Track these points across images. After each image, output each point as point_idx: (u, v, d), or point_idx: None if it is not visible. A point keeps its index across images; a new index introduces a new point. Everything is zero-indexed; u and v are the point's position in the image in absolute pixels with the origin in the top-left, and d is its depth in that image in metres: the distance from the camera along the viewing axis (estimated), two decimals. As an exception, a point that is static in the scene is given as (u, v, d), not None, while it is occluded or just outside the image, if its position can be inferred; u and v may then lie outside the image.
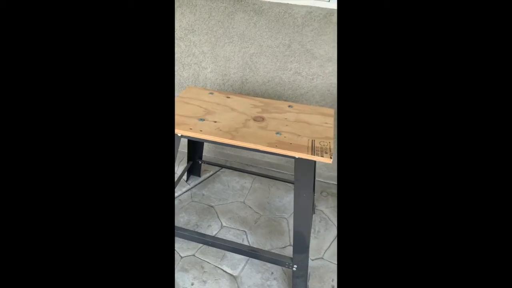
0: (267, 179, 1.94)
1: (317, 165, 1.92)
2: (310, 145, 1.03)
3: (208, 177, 1.94)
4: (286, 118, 1.20)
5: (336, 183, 1.95)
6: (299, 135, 1.09)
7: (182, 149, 2.11)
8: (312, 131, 1.12)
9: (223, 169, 2.01)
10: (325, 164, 1.91)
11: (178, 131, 1.10)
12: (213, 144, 2.05)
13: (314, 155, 0.98)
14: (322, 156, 0.98)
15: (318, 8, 1.47)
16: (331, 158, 0.97)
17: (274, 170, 2.03)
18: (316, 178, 1.97)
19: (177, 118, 1.16)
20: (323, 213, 1.74)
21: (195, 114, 1.20)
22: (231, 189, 1.86)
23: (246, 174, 1.97)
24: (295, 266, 1.22)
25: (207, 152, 2.11)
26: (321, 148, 1.02)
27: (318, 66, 1.60)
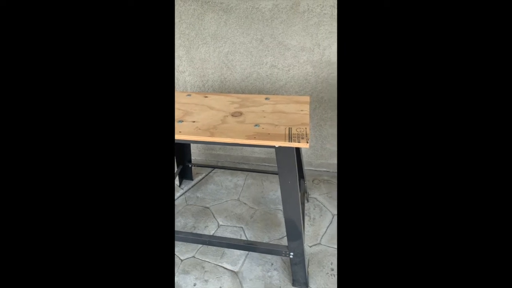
0: (259, 174, 1.96)
1: (306, 154, 1.94)
2: (287, 133, 1.05)
3: (201, 179, 1.96)
4: (263, 111, 1.22)
5: (326, 170, 1.97)
6: (277, 125, 1.11)
7: (172, 155, 2.13)
8: (289, 119, 1.14)
9: (215, 170, 2.03)
10: (314, 153, 1.93)
11: (158, 136, 1.12)
12: (202, 146, 2.07)
13: (291, 142, 1.00)
14: (299, 142, 1.00)
15: (284, 0, 1.49)
16: (307, 142, 0.99)
17: (265, 165, 2.05)
18: (306, 167, 1.99)
19: (156, 124, 1.18)
20: (317, 200, 1.76)
21: (174, 117, 1.22)
22: (225, 188, 1.88)
23: (238, 172, 1.99)
24: (291, 253, 1.24)
25: (198, 155, 2.13)
26: (298, 134, 1.04)
27: (292, 56, 1.62)
